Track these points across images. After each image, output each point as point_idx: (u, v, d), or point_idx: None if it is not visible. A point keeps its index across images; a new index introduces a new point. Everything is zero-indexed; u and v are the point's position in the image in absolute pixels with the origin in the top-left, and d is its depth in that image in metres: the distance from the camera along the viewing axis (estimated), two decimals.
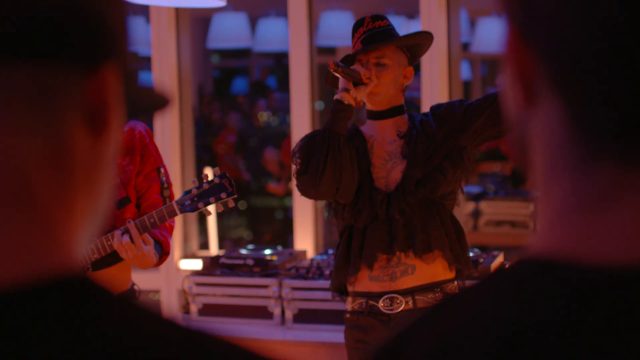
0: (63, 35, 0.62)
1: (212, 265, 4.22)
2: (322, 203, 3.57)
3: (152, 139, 3.06)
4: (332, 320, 3.92)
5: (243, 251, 4.39)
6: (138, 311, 0.63)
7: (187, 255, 5.03)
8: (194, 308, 4.17)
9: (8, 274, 0.60)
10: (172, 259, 4.84)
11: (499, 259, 3.99)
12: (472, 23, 7.90)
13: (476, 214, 5.92)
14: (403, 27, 6.90)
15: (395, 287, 3.00)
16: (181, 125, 5.02)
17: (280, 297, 4.05)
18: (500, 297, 0.62)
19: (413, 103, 6.48)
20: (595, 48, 0.59)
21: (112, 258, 2.93)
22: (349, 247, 3.05)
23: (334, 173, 2.92)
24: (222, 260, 4.23)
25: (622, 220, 0.60)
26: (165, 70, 4.94)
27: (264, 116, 9.43)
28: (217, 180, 2.96)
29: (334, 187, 2.95)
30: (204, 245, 5.50)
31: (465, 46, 7.97)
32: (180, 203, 2.92)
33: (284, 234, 7.54)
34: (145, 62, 5.60)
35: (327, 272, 4.03)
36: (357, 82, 2.97)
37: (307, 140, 2.98)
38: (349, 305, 3.09)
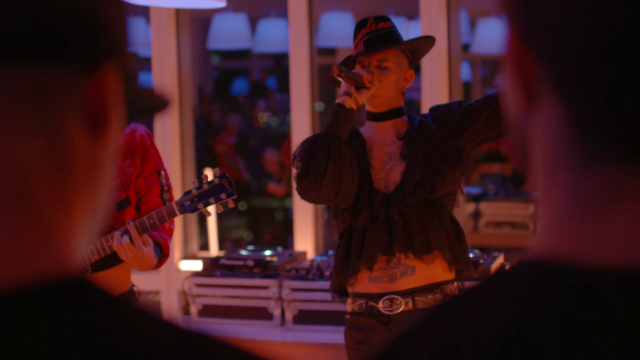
0: (63, 36, 0.62)
1: (212, 266, 4.22)
2: (322, 204, 3.56)
3: (153, 142, 3.06)
4: (332, 322, 3.92)
5: (243, 252, 4.39)
6: (137, 313, 0.63)
7: (187, 256, 5.03)
8: (194, 309, 4.17)
9: (7, 275, 0.60)
10: (172, 260, 4.84)
11: (499, 260, 3.99)
12: (472, 24, 7.90)
13: (476, 215, 5.92)
14: (403, 28, 6.89)
15: (395, 288, 3.00)
16: (181, 126, 5.02)
17: (280, 298, 4.05)
18: (501, 298, 0.62)
19: (413, 104, 6.48)
20: (596, 48, 0.58)
21: (111, 259, 2.92)
22: (349, 248, 3.05)
23: (335, 177, 2.92)
24: (222, 261, 4.23)
25: (622, 222, 0.60)
26: (166, 71, 4.94)
27: (264, 117, 9.43)
28: (216, 181, 2.95)
29: (335, 192, 2.95)
30: (204, 246, 5.50)
31: (466, 47, 7.97)
32: (180, 204, 2.92)
33: (284, 235, 7.53)
34: (146, 63, 5.60)
35: (327, 273, 4.02)
36: (359, 86, 2.97)
37: (308, 144, 2.98)
38: (348, 306, 3.09)
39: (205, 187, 2.95)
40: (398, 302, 3.00)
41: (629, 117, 0.59)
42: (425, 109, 3.31)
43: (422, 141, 3.03)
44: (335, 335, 3.67)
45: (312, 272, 4.08)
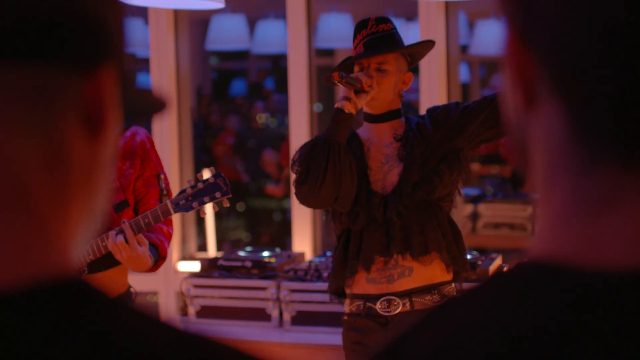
0: (61, 36, 0.62)
1: (210, 267, 4.22)
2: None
3: (154, 146, 3.06)
4: (330, 323, 3.92)
5: (241, 253, 4.38)
6: (135, 314, 0.63)
7: (185, 257, 5.03)
8: (192, 310, 4.17)
9: (4, 276, 0.60)
10: (170, 260, 4.84)
11: (497, 261, 3.99)
12: (471, 25, 7.90)
13: (474, 217, 5.92)
14: (402, 29, 6.89)
15: (392, 289, 3.00)
16: (179, 127, 5.02)
17: (278, 299, 4.05)
18: (500, 300, 0.62)
19: (411, 106, 6.49)
20: (596, 50, 0.58)
21: (108, 261, 2.92)
22: (347, 249, 3.05)
23: (334, 182, 2.93)
24: (220, 262, 4.23)
25: (622, 224, 0.60)
26: (164, 72, 4.94)
27: (262, 118, 9.43)
28: (211, 180, 2.94)
29: (334, 196, 2.95)
30: (202, 247, 5.50)
31: (464, 48, 7.97)
32: (175, 202, 2.91)
33: (282, 236, 7.53)
34: (144, 64, 5.60)
35: (325, 274, 4.02)
36: (359, 90, 2.97)
37: (308, 149, 2.98)
38: (346, 307, 3.09)
39: (200, 185, 2.93)
40: (396, 303, 3.00)
41: (629, 119, 0.59)
42: (423, 110, 3.32)
43: (420, 142, 3.03)
44: (333, 337, 3.67)
45: (310, 273, 4.08)
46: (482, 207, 5.93)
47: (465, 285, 3.12)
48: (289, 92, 4.75)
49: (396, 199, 2.98)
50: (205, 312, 4.15)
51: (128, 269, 3.04)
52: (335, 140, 2.94)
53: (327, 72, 3.10)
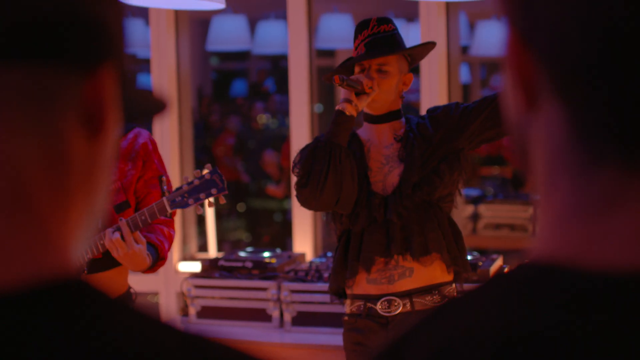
0: (61, 37, 0.62)
1: (210, 268, 4.22)
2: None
3: (157, 149, 3.05)
4: (330, 323, 3.91)
5: (242, 254, 4.38)
6: (135, 314, 0.63)
7: (186, 257, 5.03)
8: (192, 310, 4.17)
9: (3, 276, 0.60)
10: (171, 261, 4.84)
11: (498, 262, 3.99)
12: (472, 26, 7.90)
13: (475, 217, 5.92)
14: (402, 30, 6.89)
15: (393, 290, 3.00)
16: (180, 127, 5.02)
17: (278, 300, 4.05)
18: (501, 301, 0.62)
19: (411, 107, 6.48)
20: (597, 51, 0.58)
21: (108, 261, 2.91)
22: (347, 250, 3.05)
23: (335, 185, 2.93)
24: (221, 262, 4.23)
25: (623, 225, 0.60)
26: (165, 72, 4.94)
27: (263, 119, 9.43)
28: (207, 176, 2.92)
29: (335, 199, 2.96)
30: (203, 247, 5.50)
31: (465, 49, 7.97)
32: (171, 199, 2.89)
33: (282, 237, 7.53)
34: (145, 65, 5.60)
35: (325, 274, 4.02)
36: (360, 92, 2.97)
37: (308, 151, 2.98)
38: (347, 307, 3.09)
39: (196, 182, 2.91)
40: (396, 304, 3.00)
41: (629, 120, 0.58)
42: (424, 111, 3.32)
43: (420, 143, 3.03)
44: (334, 337, 3.67)
45: (311, 274, 4.08)
46: (483, 208, 5.93)
47: (466, 286, 3.12)
48: (289, 92, 4.75)
49: (396, 199, 2.98)
50: (206, 312, 4.15)
51: (128, 270, 3.03)
52: (336, 143, 2.94)
53: (328, 72, 3.10)
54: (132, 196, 2.97)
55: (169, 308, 4.80)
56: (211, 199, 2.94)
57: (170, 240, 3.02)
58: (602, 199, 0.60)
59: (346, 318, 3.10)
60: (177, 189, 2.91)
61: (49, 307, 0.59)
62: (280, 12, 7.12)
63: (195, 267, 4.75)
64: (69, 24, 0.62)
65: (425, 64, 4.41)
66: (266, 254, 4.32)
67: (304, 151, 3.02)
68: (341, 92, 3.00)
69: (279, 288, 4.05)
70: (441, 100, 4.39)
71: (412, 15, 6.98)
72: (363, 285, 3.03)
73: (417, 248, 2.97)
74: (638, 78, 0.58)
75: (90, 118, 0.65)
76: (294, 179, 3.08)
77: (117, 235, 2.81)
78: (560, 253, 0.61)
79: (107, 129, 0.66)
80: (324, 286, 3.89)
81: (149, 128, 3.95)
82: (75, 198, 0.65)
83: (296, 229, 4.72)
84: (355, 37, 3.06)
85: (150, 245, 2.92)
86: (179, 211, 3.14)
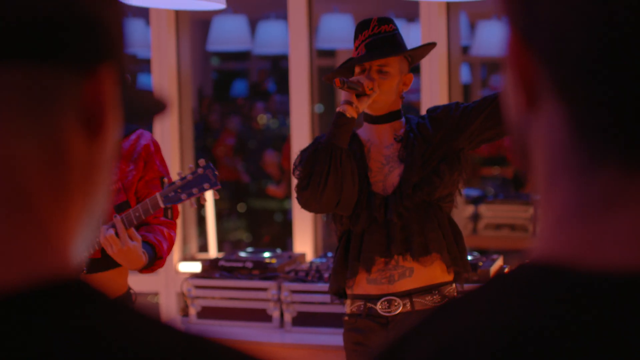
0: (60, 37, 0.62)
1: (211, 268, 4.22)
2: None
3: (159, 150, 3.04)
4: (331, 323, 3.91)
5: (242, 254, 4.38)
6: (135, 315, 0.63)
7: (186, 257, 5.03)
8: (192, 311, 4.17)
9: (3, 276, 0.60)
10: (171, 261, 4.84)
11: (498, 262, 3.99)
12: (472, 26, 7.90)
13: (475, 217, 5.92)
14: (403, 30, 6.89)
15: (393, 290, 3.01)
16: (180, 127, 5.02)
17: (279, 300, 4.05)
18: (501, 301, 0.62)
19: (412, 107, 6.48)
20: (598, 51, 0.58)
21: (107, 262, 2.90)
22: (347, 250, 3.05)
23: (336, 188, 2.93)
24: (221, 262, 4.23)
25: (624, 225, 0.60)
26: (165, 72, 4.94)
27: (263, 119, 9.43)
28: (200, 171, 2.90)
29: (335, 201, 2.96)
30: (203, 247, 5.50)
31: (465, 49, 7.97)
32: (164, 195, 2.87)
33: (283, 237, 7.53)
34: (145, 65, 5.60)
35: (326, 275, 4.02)
36: (360, 94, 2.96)
37: (309, 154, 2.97)
38: (347, 308, 3.09)
39: (190, 177, 2.89)
40: (396, 304, 3.00)
41: (630, 120, 0.58)
42: (424, 111, 3.33)
43: (420, 143, 3.03)
44: (334, 337, 3.67)
45: (311, 274, 4.08)
46: (483, 208, 5.93)
47: (467, 286, 3.12)
48: (290, 93, 4.75)
49: (397, 200, 2.98)
50: (206, 312, 4.15)
51: (128, 271, 3.02)
52: (337, 145, 2.94)
53: (328, 72, 3.10)
54: (132, 197, 2.97)
55: (169, 308, 4.80)
56: (204, 195, 2.92)
57: (170, 241, 3.00)
58: (603, 199, 0.60)
59: (346, 318, 3.10)
60: (170, 184, 2.89)
61: (49, 307, 0.59)
62: (280, 12, 7.12)
63: (196, 267, 4.75)
64: (69, 24, 0.62)
65: (425, 64, 4.41)
66: (266, 254, 4.32)
67: (304, 153, 3.02)
68: (342, 94, 3.00)
69: (279, 288, 4.05)
70: (442, 100, 4.39)
71: (412, 15, 6.98)
72: (363, 285, 3.03)
73: (417, 248, 2.97)
74: (638, 78, 0.58)
75: (90, 118, 0.65)
76: (294, 180, 3.08)
77: (111, 231, 2.80)
78: (561, 253, 0.61)
79: (106, 129, 0.66)
80: (324, 286, 3.89)
81: (149, 128, 3.95)
82: (75, 198, 0.65)
83: (296, 229, 4.72)
84: (356, 37, 3.06)
85: (148, 244, 2.91)
86: (179, 211, 3.13)
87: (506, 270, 3.95)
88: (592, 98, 0.59)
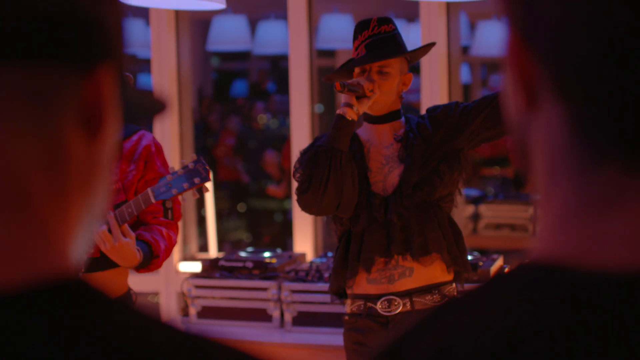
0: (59, 36, 0.62)
1: (211, 268, 4.22)
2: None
3: (161, 152, 3.03)
4: (331, 323, 3.92)
5: (242, 254, 4.39)
6: (135, 314, 0.63)
7: (186, 257, 5.03)
8: (193, 311, 4.17)
9: (3, 276, 0.60)
10: (171, 261, 4.84)
11: (499, 262, 3.99)
12: (472, 26, 7.90)
13: (476, 217, 5.92)
14: (403, 30, 6.89)
15: (393, 289, 3.01)
16: (180, 127, 5.02)
17: (279, 300, 4.05)
18: (501, 301, 0.62)
19: (412, 107, 6.48)
20: (598, 51, 0.58)
21: (106, 261, 2.90)
22: (347, 250, 3.05)
23: (336, 191, 2.93)
24: (222, 262, 4.23)
25: (624, 225, 0.60)
26: (165, 72, 4.94)
27: (263, 119, 9.43)
28: (191, 166, 2.89)
29: (335, 204, 2.96)
30: (203, 247, 5.50)
31: (465, 49, 7.97)
32: (155, 190, 2.86)
33: (283, 237, 7.53)
34: (145, 65, 5.60)
35: (326, 274, 4.02)
36: (360, 96, 2.96)
37: (309, 157, 2.97)
38: (348, 307, 3.10)
39: (180, 172, 2.88)
40: (396, 303, 3.00)
41: (630, 120, 0.58)
42: (424, 111, 3.33)
43: (420, 143, 3.03)
44: (335, 337, 3.67)
45: (311, 274, 4.08)
46: (483, 208, 5.93)
47: (467, 286, 3.12)
48: (290, 93, 4.75)
49: (397, 200, 2.99)
50: (207, 312, 4.15)
51: (128, 272, 3.02)
52: (337, 148, 2.94)
53: (328, 72, 3.10)
54: (132, 197, 2.96)
55: (169, 308, 4.80)
56: (195, 189, 2.90)
57: (169, 241, 2.99)
58: (603, 198, 0.60)
59: (346, 318, 3.10)
60: (162, 179, 2.88)
61: (49, 307, 0.59)
62: (280, 12, 7.11)
63: (196, 267, 4.75)
64: (68, 23, 0.62)
65: (425, 64, 4.41)
66: (267, 254, 4.32)
67: (304, 156, 3.01)
68: (342, 96, 3.00)
69: (279, 288, 4.05)
70: (442, 100, 4.39)
71: (412, 16, 6.98)
72: (363, 285, 3.03)
73: (417, 248, 2.97)
74: (638, 78, 0.58)
75: (89, 118, 0.65)
76: (295, 181, 3.08)
77: (104, 228, 2.79)
78: (561, 253, 0.61)
79: (106, 129, 0.66)
80: (325, 286, 3.89)
81: (149, 128, 3.95)
82: (75, 198, 0.65)
83: (297, 229, 4.72)
84: (355, 37, 3.05)
85: (144, 242, 2.90)
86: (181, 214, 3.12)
87: (506, 270, 3.96)
88: (592, 98, 0.59)
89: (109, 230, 2.79)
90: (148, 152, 2.99)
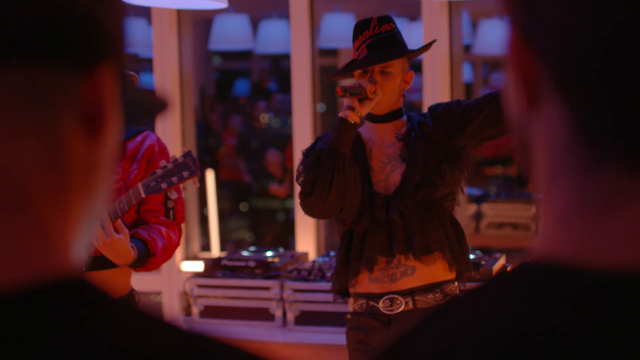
0: (60, 36, 0.62)
1: (213, 267, 4.22)
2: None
3: (164, 152, 3.02)
4: (333, 322, 3.92)
5: (245, 253, 4.39)
6: (137, 314, 0.63)
7: (189, 257, 5.03)
8: (195, 310, 4.17)
9: (4, 276, 0.60)
10: (174, 260, 4.84)
11: (501, 261, 3.99)
12: (474, 25, 7.90)
13: (478, 216, 5.92)
14: (405, 29, 6.89)
15: (395, 288, 3.01)
16: (182, 127, 5.02)
17: (281, 299, 4.05)
18: (503, 300, 0.62)
19: (414, 106, 6.48)
20: (599, 50, 0.58)
21: (107, 260, 2.89)
22: (349, 250, 3.05)
23: (339, 194, 2.93)
24: (224, 262, 4.23)
25: (625, 223, 0.60)
26: (167, 72, 4.94)
27: (265, 118, 9.43)
28: (180, 160, 2.86)
29: (339, 207, 2.96)
30: (206, 247, 5.50)
31: (467, 48, 7.96)
32: (146, 185, 2.85)
33: (285, 236, 7.54)
34: (147, 64, 5.60)
35: (328, 274, 4.03)
36: (363, 98, 2.96)
37: (312, 160, 2.97)
38: (350, 306, 3.10)
39: (170, 166, 2.86)
40: (398, 302, 3.00)
41: (631, 119, 0.58)
42: (426, 110, 3.33)
43: (422, 142, 3.03)
44: (337, 336, 3.67)
45: (314, 273, 4.08)
46: (486, 207, 5.93)
47: (469, 285, 3.12)
48: (292, 92, 4.75)
49: (398, 199, 2.98)
50: (209, 312, 4.16)
51: (130, 272, 3.01)
52: (340, 151, 2.93)
53: (330, 71, 3.10)
54: None
55: (171, 307, 4.80)
56: (184, 182, 2.89)
57: (169, 240, 2.96)
58: (604, 198, 0.60)
59: (349, 316, 3.10)
60: (152, 174, 2.87)
61: (49, 307, 0.59)
62: (282, 11, 7.11)
63: (198, 266, 4.75)
64: (68, 23, 0.62)
65: (427, 63, 4.41)
66: (269, 254, 4.32)
67: (306, 158, 3.01)
68: (344, 100, 2.99)
69: (281, 287, 4.05)
70: (444, 99, 4.39)
71: (414, 14, 6.97)
72: (365, 284, 3.04)
73: (418, 248, 2.97)
74: (639, 78, 0.58)
75: (89, 118, 0.65)
76: (298, 191, 3.08)
77: (97, 224, 2.77)
78: (562, 252, 0.61)
79: (107, 129, 0.66)
80: (327, 285, 3.89)
81: (151, 128, 3.95)
82: (75, 197, 0.65)
83: (299, 228, 4.72)
84: (356, 37, 3.04)
85: (140, 240, 2.89)
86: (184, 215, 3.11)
87: (508, 269, 3.95)
88: (593, 97, 0.59)
89: (102, 226, 2.77)
90: (151, 151, 2.99)
